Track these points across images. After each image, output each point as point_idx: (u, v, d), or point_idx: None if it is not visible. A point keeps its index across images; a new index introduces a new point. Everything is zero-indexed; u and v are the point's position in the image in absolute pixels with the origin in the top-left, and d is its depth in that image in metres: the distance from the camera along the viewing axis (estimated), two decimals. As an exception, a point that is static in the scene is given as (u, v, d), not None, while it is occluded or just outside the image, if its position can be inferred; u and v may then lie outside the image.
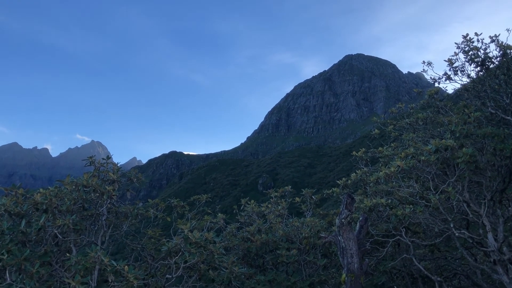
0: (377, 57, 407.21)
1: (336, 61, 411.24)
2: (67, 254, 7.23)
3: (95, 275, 6.66)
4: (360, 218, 7.40)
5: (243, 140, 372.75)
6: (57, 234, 7.31)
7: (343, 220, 6.90)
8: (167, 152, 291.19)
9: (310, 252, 9.97)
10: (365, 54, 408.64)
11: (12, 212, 7.20)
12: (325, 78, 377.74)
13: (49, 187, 8.08)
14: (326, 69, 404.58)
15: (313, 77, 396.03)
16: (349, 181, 11.37)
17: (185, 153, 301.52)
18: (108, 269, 6.25)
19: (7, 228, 6.86)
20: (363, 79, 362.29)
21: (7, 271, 6.44)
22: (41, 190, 7.86)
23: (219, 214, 11.23)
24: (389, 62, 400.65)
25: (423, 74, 15.33)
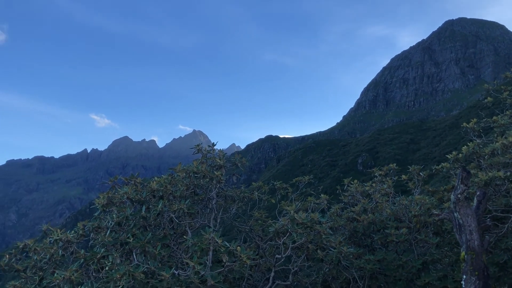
0: (481, 19, 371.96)
1: (435, 28, 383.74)
2: (184, 237, 7.74)
3: (210, 255, 7.03)
4: (478, 193, 6.90)
5: (339, 119, 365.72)
6: (173, 218, 7.85)
7: (459, 196, 6.48)
8: (263, 136, 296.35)
9: (421, 231, 9.56)
10: (468, 18, 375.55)
11: (133, 199, 7.87)
12: (424, 47, 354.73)
13: (163, 175, 8.68)
14: (425, 37, 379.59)
15: (410, 47, 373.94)
16: (460, 155, 10.63)
17: (281, 136, 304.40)
18: (222, 250, 6.56)
19: (130, 214, 7.52)
20: (467, 45, 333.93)
21: (133, 253, 7.07)
22: (156, 178, 8.48)
23: (322, 195, 11.20)
24: (496, 23, 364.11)
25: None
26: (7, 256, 8.12)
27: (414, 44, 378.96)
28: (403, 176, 11.78)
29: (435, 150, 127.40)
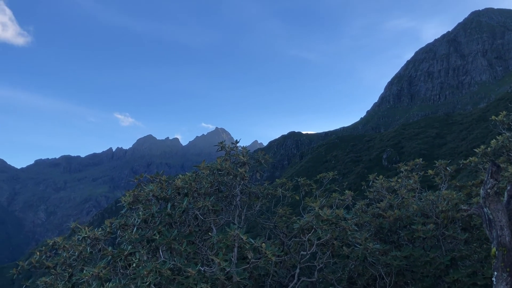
0: (509, 9, 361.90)
1: (460, 20, 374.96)
2: (209, 234, 7.79)
3: (235, 252, 7.05)
4: (508, 188, 6.71)
5: (363, 114, 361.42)
6: (198, 215, 7.90)
7: (489, 191, 6.31)
8: (286, 133, 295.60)
9: (449, 226, 9.37)
10: (495, 8, 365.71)
11: (158, 196, 7.96)
12: (449, 39, 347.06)
13: (187, 173, 8.75)
14: (450, 29, 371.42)
15: (435, 40, 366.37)
16: (489, 149, 10.37)
17: (304, 132, 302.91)
18: (246, 247, 6.57)
19: (156, 211, 7.61)
20: (494, 36, 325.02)
21: (159, 250, 7.15)
22: (180, 176, 8.55)
23: (346, 191, 11.10)
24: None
25: None
26: (38, 253, 8.32)
27: (439, 36, 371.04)
28: (430, 171, 11.57)
29: (462, 144, 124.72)
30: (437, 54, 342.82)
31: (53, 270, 7.96)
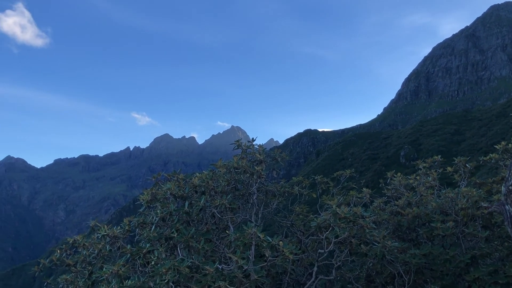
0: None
1: (479, 14, 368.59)
2: (226, 232, 7.81)
3: (252, 250, 7.06)
4: (531, 185, 6.58)
5: (380, 111, 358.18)
6: (215, 213, 7.94)
7: (510, 187, 6.21)
8: (302, 130, 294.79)
9: (469, 224, 9.23)
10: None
11: (176, 195, 8.02)
12: (467, 34, 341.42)
13: (204, 171, 8.79)
14: (468, 24, 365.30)
15: (453, 35, 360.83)
16: (510, 145, 10.18)
17: (320, 130, 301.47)
18: (264, 245, 6.57)
19: (174, 209, 7.67)
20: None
21: (177, 248, 7.20)
22: (197, 174, 8.60)
23: (364, 188, 11.01)
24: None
25: None
26: (58, 251, 8.46)
27: (457, 31, 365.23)
28: (449, 168, 11.40)
29: (481, 140, 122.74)
30: (455, 49, 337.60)
31: (73, 267, 8.08)
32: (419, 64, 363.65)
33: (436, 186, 10.93)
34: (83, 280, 7.64)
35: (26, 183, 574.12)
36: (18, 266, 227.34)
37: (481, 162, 10.88)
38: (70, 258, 8.30)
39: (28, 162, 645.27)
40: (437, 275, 8.75)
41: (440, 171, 11.61)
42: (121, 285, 6.43)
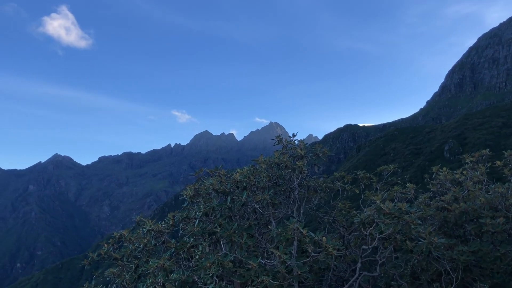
0: None
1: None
2: (268, 227, 7.83)
3: (294, 245, 7.05)
4: None
5: (422, 105, 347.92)
6: (257, 208, 7.96)
7: None
8: (342, 126, 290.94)
9: (521, 221, 8.84)
10: None
11: (218, 190, 8.10)
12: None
13: (244, 167, 8.83)
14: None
15: (500, 24, 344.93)
16: None
17: (361, 125, 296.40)
18: (306, 240, 6.54)
19: (216, 205, 7.75)
20: None
21: (220, 243, 7.28)
22: (238, 170, 8.65)
23: (408, 184, 10.74)
24: None
25: None
26: (106, 245, 8.74)
27: (504, 20, 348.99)
28: (498, 162, 10.94)
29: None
30: (502, 39, 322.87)
31: (120, 261, 8.33)
32: (464, 55, 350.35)
33: (484, 181, 10.52)
34: (129, 273, 7.86)
35: (72, 180, 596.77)
36: (67, 260, 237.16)
37: (533, 156, 10.38)
38: (117, 252, 8.55)
39: (74, 160, 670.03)
40: (487, 273, 8.44)
41: (488, 165, 11.16)
42: (166, 278, 6.57)
